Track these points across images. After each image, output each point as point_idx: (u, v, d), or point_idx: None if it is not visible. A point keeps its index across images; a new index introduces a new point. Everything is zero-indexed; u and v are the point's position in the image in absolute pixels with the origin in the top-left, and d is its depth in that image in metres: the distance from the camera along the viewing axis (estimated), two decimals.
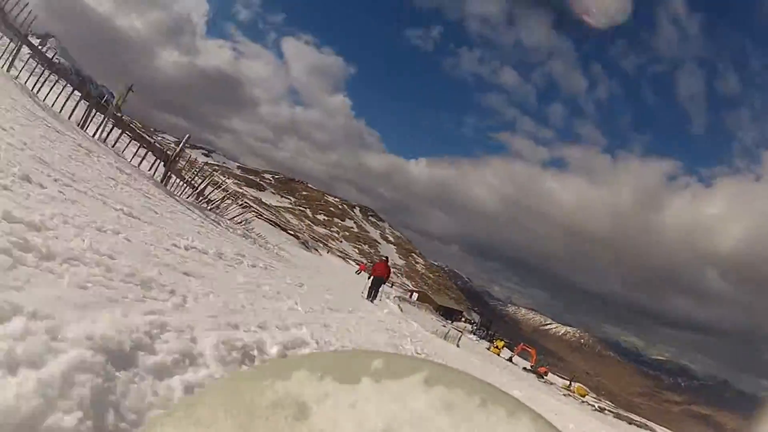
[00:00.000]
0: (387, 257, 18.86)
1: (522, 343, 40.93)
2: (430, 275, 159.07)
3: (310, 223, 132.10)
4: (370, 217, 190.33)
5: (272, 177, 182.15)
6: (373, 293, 15.75)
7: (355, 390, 0.72)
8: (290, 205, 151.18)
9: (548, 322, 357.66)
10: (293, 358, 0.80)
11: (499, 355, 33.54)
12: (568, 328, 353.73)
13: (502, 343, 38.43)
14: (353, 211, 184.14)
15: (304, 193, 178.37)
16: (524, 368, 32.12)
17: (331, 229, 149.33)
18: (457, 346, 18.54)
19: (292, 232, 58.09)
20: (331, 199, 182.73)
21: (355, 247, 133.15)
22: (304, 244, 54.00)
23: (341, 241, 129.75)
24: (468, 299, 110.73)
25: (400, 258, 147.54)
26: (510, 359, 34.04)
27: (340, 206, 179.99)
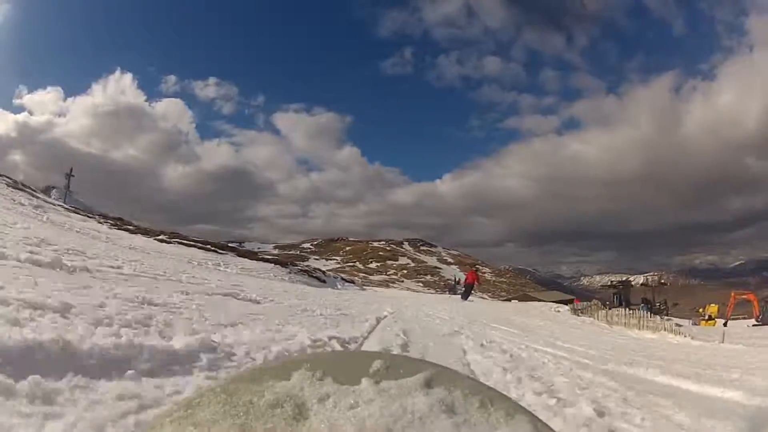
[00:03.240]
0: (476, 267, 27.30)
1: (733, 292, 27.40)
2: (502, 279, 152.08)
3: (364, 275, 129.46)
4: (421, 247, 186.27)
5: (311, 244, 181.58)
6: (466, 296, 21.69)
7: (355, 391, 0.72)
8: (339, 264, 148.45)
9: (625, 278, 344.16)
10: (293, 358, 0.76)
11: (715, 325, 22.91)
12: (645, 275, 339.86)
13: (715, 308, 26.84)
14: (402, 248, 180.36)
15: (348, 248, 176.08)
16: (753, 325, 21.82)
17: (388, 272, 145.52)
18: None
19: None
20: (376, 244, 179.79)
21: (418, 282, 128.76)
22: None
23: (402, 281, 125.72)
24: (543, 288, 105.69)
25: (465, 274, 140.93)
26: (725, 323, 23.01)
27: (388, 248, 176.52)
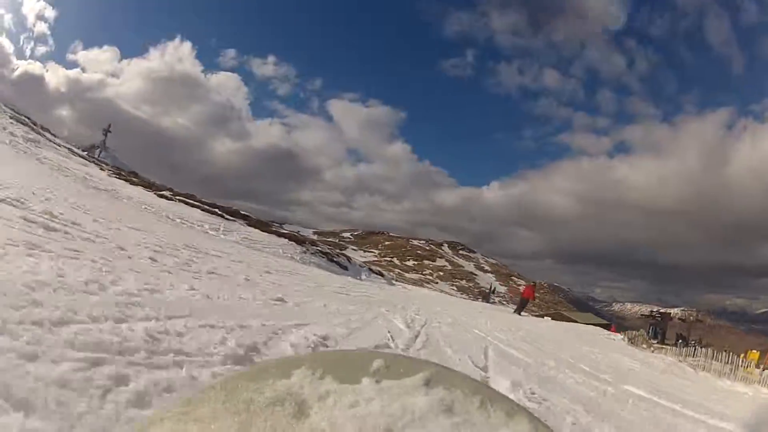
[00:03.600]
0: (535, 282, 24.42)
1: None
2: (537, 294, 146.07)
3: (400, 271, 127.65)
4: (460, 251, 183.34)
5: (351, 234, 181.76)
6: (520, 310, 21.40)
7: (356, 390, 0.72)
8: (375, 258, 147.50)
9: (655, 309, 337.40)
10: (293, 356, 0.79)
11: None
12: (676, 309, 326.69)
13: (757, 354, 21.97)
14: (442, 249, 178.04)
15: (387, 243, 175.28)
16: None
17: (424, 272, 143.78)
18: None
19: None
20: (416, 242, 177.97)
21: (453, 285, 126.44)
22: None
23: (437, 282, 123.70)
24: (575, 308, 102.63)
25: (501, 285, 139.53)
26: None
27: (427, 247, 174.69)
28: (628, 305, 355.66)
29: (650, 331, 30.42)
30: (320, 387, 0.72)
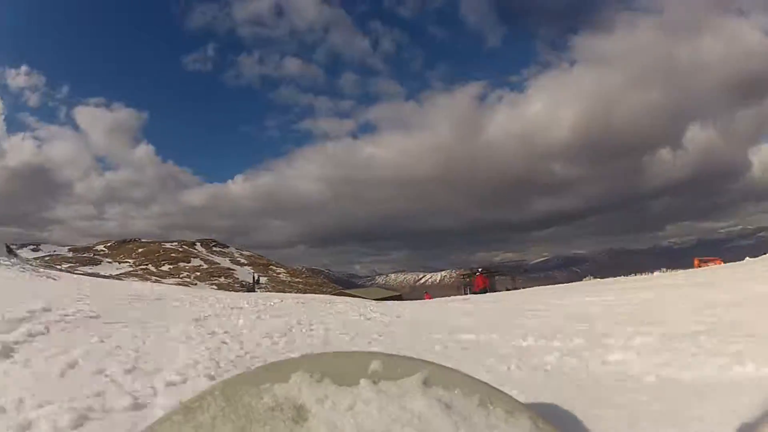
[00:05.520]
0: (480, 269, 23.10)
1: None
2: (298, 280, 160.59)
3: (157, 278, 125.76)
4: (214, 248, 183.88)
5: (104, 246, 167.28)
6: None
7: (354, 392, 0.73)
8: (131, 268, 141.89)
9: (421, 276, 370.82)
10: (291, 360, 0.80)
11: None
12: (442, 273, 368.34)
13: None
14: (195, 249, 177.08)
15: (141, 250, 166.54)
16: None
17: (181, 275, 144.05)
18: None
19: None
20: (168, 245, 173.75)
21: (212, 284, 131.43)
22: None
23: (196, 284, 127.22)
24: (342, 288, 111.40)
25: (262, 276, 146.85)
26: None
27: (180, 249, 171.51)
28: (393, 276, 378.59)
29: (465, 290, 35.56)
30: (318, 390, 0.72)
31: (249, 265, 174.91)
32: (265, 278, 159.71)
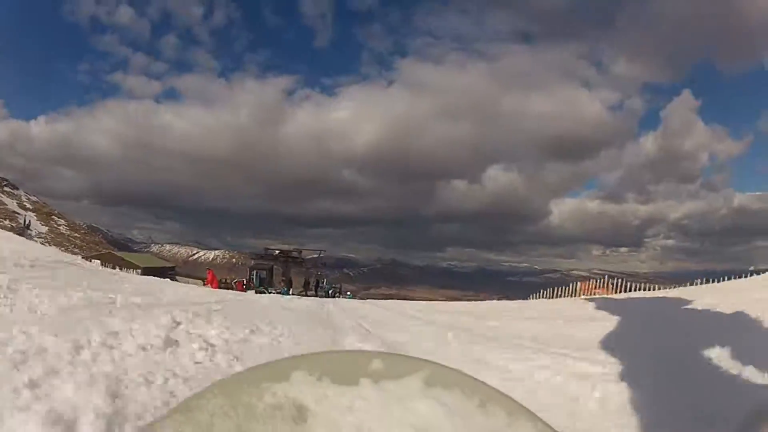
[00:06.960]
0: (278, 251, 26.39)
1: None
2: (77, 235, 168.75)
3: None
4: (5, 188, 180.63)
5: None
6: None
7: (354, 391, 0.71)
8: None
9: (195, 252, 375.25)
10: (291, 359, 0.77)
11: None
12: (217, 252, 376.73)
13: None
14: None
15: None
16: None
17: None
18: None
19: None
20: None
21: None
22: None
23: None
24: (116, 249, 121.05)
25: (42, 224, 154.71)
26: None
27: None
28: (167, 246, 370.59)
29: (255, 278, 33.04)
30: (318, 389, 0.71)
31: (33, 212, 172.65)
32: (46, 227, 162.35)
